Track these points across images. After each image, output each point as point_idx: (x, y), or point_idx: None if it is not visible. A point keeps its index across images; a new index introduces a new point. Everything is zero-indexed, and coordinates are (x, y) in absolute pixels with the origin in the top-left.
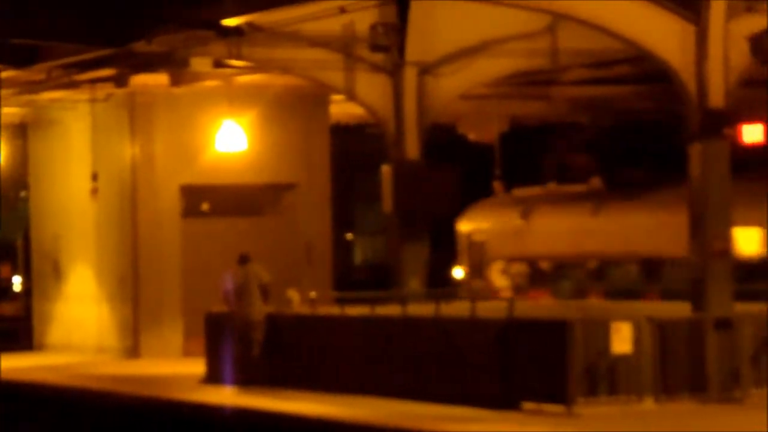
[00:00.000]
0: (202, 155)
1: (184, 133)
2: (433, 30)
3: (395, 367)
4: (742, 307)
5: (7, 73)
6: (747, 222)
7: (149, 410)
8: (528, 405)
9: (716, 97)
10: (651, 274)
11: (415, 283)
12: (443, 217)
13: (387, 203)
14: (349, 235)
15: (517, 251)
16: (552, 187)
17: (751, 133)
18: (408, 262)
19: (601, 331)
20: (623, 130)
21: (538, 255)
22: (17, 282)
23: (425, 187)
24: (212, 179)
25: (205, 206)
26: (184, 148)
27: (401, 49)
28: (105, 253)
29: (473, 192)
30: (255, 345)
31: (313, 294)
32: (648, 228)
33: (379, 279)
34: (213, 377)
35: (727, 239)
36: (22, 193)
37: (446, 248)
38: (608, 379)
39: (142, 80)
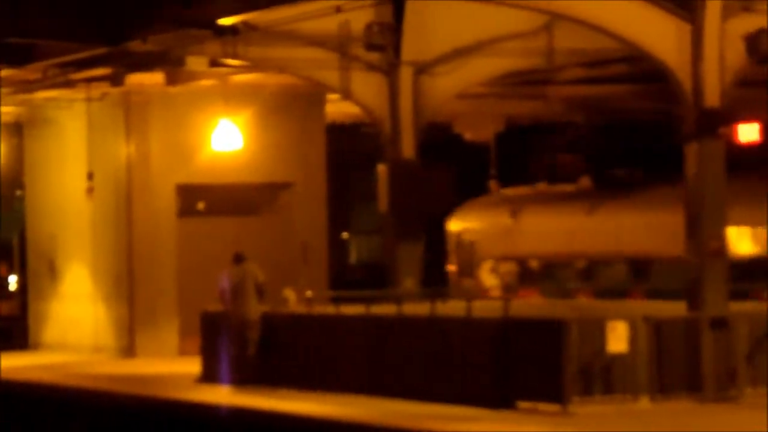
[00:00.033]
0: (197, 154)
1: (179, 133)
2: (429, 29)
3: (391, 367)
4: (737, 306)
5: (3, 72)
6: (743, 221)
7: (145, 409)
8: (523, 404)
9: (712, 97)
10: (639, 274)
11: (410, 283)
12: (439, 216)
13: (382, 203)
14: (345, 235)
15: (506, 251)
16: (541, 186)
17: (747, 133)
18: (403, 262)
19: (596, 330)
20: (613, 130)
21: (527, 254)
22: (13, 281)
23: (421, 187)
24: (208, 178)
25: (200, 205)
26: (180, 148)
27: (397, 48)
28: (101, 253)
29: (469, 191)
30: (251, 344)
31: (308, 293)
32: (636, 228)
33: (374, 278)
34: (209, 376)
35: (722, 239)
36: (18, 192)
37: (442, 247)
38: (604, 378)
39: (137, 79)
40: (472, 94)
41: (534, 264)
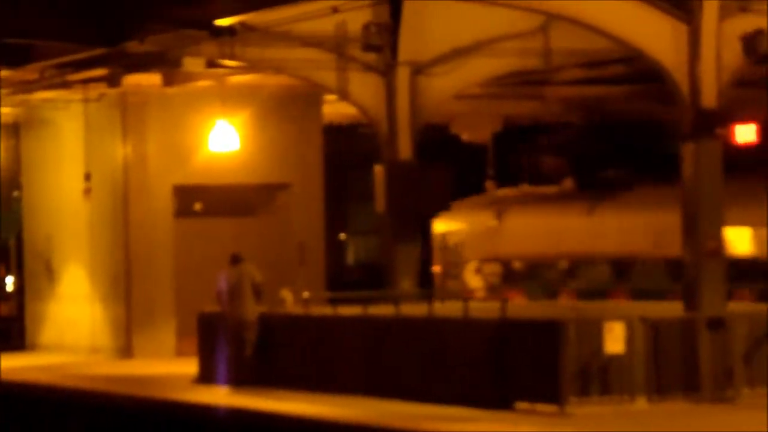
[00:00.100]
0: (194, 155)
1: (176, 133)
2: (426, 30)
3: (388, 367)
4: (734, 306)
5: (1, 73)
6: (740, 222)
7: (142, 410)
8: (521, 405)
9: (709, 97)
10: (621, 275)
11: (407, 283)
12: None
13: (380, 203)
14: (342, 235)
15: (491, 251)
16: (525, 188)
17: (744, 133)
18: (401, 262)
19: (593, 330)
20: (602, 130)
21: (511, 255)
22: (10, 282)
23: (418, 187)
24: (205, 179)
25: (197, 206)
26: (177, 148)
27: (394, 48)
28: (98, 253)
29: (466, 192)
30: (248, 345)
31: (305, 294)
32: (618, 228)
33: (372, 279)
34: (206, 377)
35: (720, 239)
36: (15, 193)
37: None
38: (601, 378)
39: (134, 80)
40: (470, 95)
41: (518, 265)
